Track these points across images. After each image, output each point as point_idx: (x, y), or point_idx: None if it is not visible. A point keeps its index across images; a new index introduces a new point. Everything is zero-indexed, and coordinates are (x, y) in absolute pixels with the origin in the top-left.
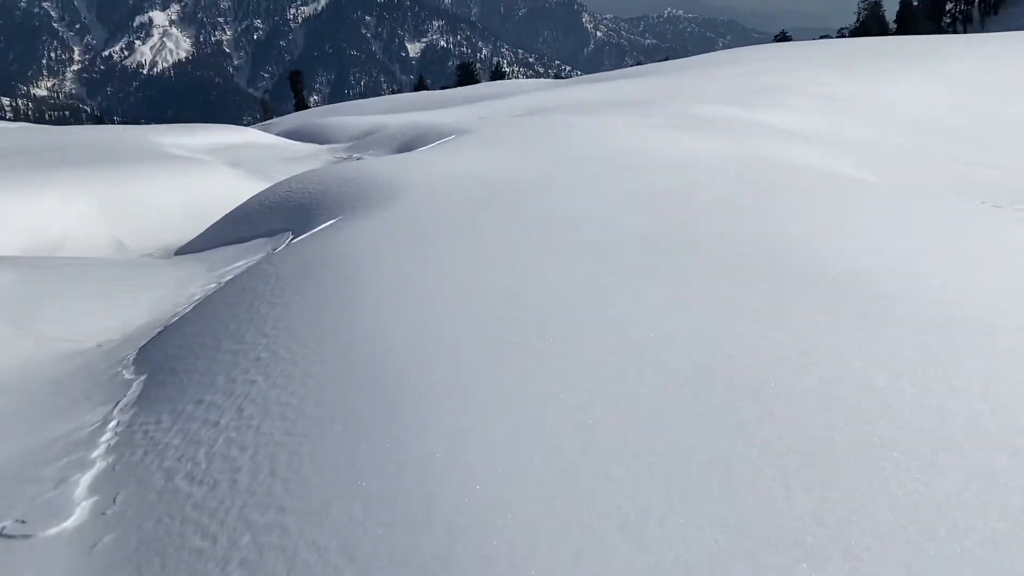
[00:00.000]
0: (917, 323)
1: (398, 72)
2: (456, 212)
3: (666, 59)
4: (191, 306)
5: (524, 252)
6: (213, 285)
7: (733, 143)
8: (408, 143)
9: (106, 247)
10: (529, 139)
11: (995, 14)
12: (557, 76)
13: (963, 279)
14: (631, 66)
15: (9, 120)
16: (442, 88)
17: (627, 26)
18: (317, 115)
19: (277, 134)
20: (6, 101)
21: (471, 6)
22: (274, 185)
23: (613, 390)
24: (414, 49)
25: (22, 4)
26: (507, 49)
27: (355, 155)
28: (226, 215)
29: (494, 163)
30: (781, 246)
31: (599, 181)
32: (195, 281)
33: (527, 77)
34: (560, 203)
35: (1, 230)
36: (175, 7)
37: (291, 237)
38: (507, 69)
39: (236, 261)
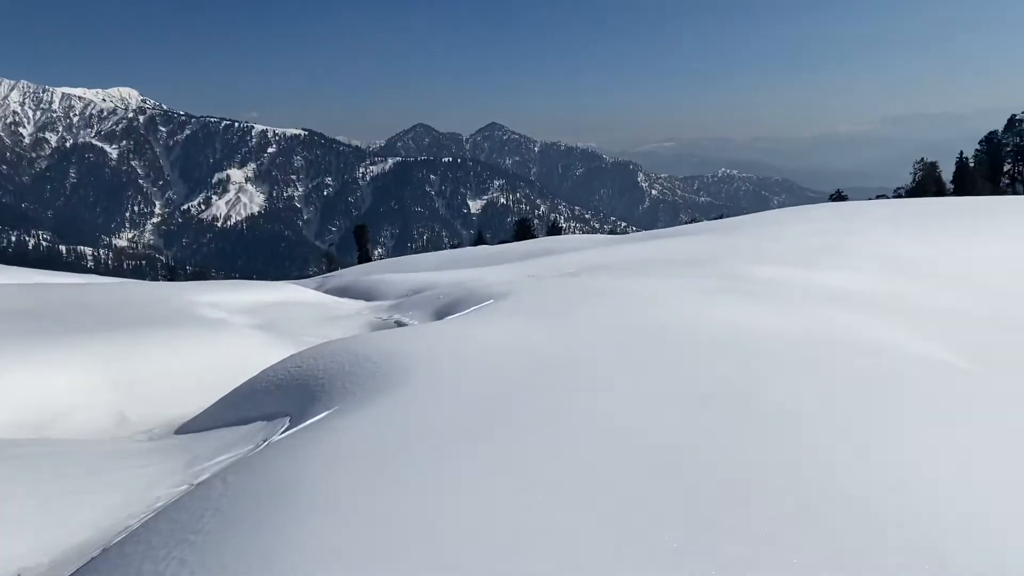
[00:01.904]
0: None
1: (459, 227)
2: (463, 414)
3: (721, 216)
4: (140, 521)
5: (527, 489)
6: (184, 487)
7: (796, 314)
8: (448, 305)
9: (107, 421)
10: (570, 307)
11: None
12: (612, 232)
13: None
14: (686, 223)
15: (89, 269)
16: (500, 243)
17: (681, 184)
18: (377, 268)
19: (330, 288)
20: (89, 251)
21: (531, 167)
22: (286, 359)
23: None
24: (475, 206)
25: (112, 162)
26: (564, 205)
27: (395, 316)
28: (234, 390)
29: (524, 340)
30: (877, 512)
31: (640, 371)
32: (168, 479)
33: (583, 232)
34: (588, 404)
35: None
36: (252, 165)
37: (286, 425)
38: (563, 225)
39: (221, 453)
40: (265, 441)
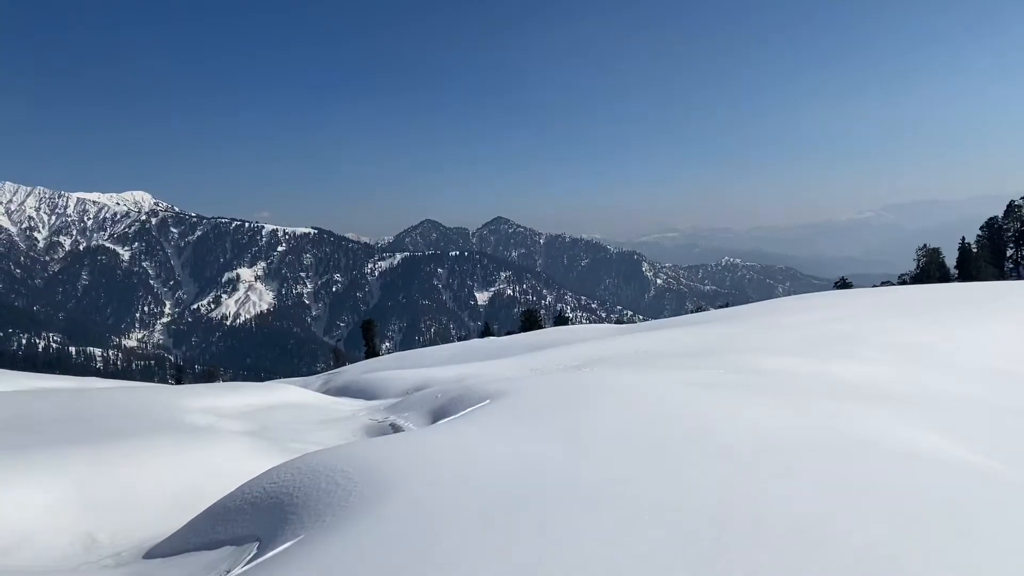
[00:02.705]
0: None
1: (466, 319)
2: (435, 546)
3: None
4: None
5: None
6: None
7: (806, 413)
8: (445, 405)
9: (74, 544)
10: (568, 410)
11: None
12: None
13: None
14: (692, 311)
15: (98, 371)
16: (507, 334)
17: (686, 273)
18: (381, 364)
19: (334, 386)
20: (98, 352)
21: (536, 258)
22: (263, 474)
23: None
24: (482, 297)
25: (124, 264)
26: (570, 295)
27: (391, 418)
28: (207, 509)
29: (516, 450)
30: None
31: (637, 490)
32: None
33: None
34: (577, 537)
35: None
36: (262, 264)
37: (252, 554)
38: (570, 315)
39: None
40: (228, 572)
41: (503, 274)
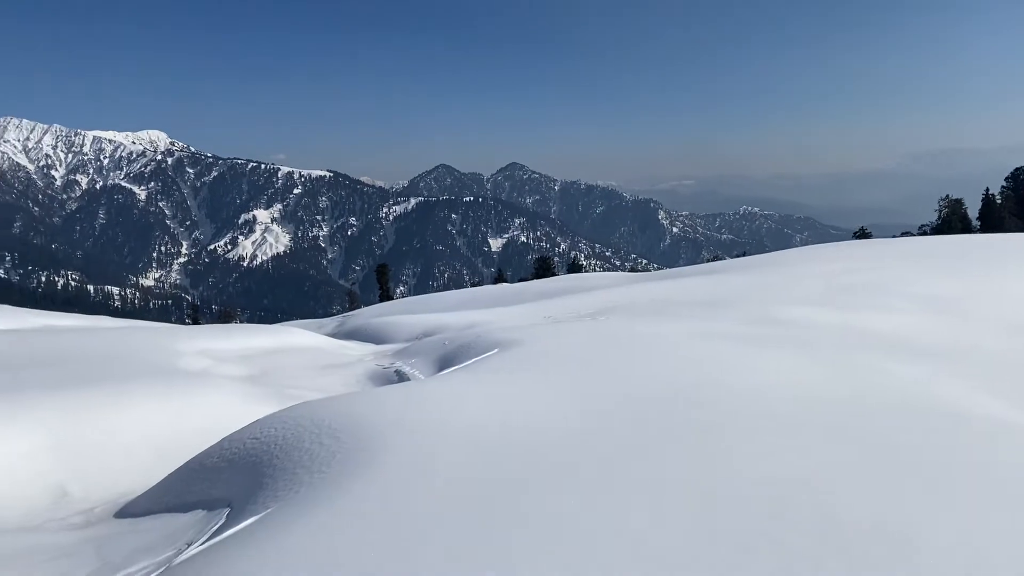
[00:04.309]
0: None
1: (480, 265)
2: (421, 521)
3: (743, 254)
4: None
5: None
6: None
7: (840, 364)
8: (453, 352)
9: (43, 496)
10: (580, 362)
11: None
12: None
13: None
14: (708, 260)
15: (116, 309)
16: (520, 280)
17: (703, 222)
18: (394, 308)
19: (347, 329)
20: (116, 291)
21: (551, 205)
22: (244, 428)
23: None
24: (496, 244)
25: (140, 204)
26: (584, 243)
27: (396, 365)
28: (184, 465)
29: (522, 404)
30: None
31: (663, 462)
32: None
33: (604, 270)
34: (581, 505)
35: None
36: (278, 206)
37: (221, 522)
38: (584, 262)
39: (136, 560)
40: (188, 546)
41: (517, 220)
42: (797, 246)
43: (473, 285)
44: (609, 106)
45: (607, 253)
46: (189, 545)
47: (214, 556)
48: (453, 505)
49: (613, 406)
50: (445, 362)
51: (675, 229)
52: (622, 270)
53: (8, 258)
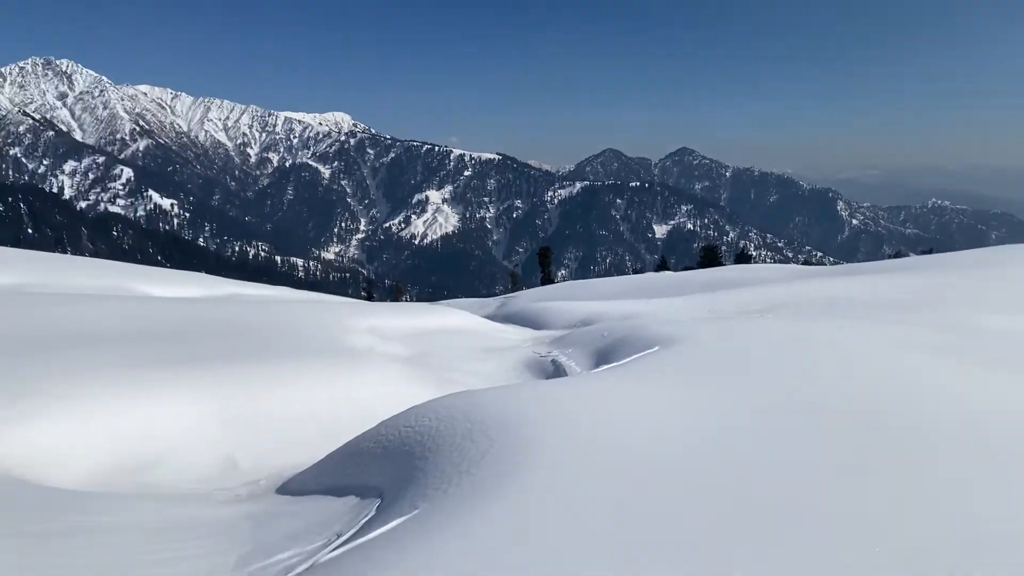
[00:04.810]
0: None
1: (643, 251)
2: (571, 535)
3: (930, 251)
4: None
5: None
6: None
7: None
8: (611, 346)
9: (212, 466)
10: (745, 367)
11: None
12: (807, 262)
13: None
14: (890, 256)
15: (299, 279)
16: (684, 269)
17: (886, 215)
18: (554, 293)
19: (506, 312)
20: (300, 262)
21: (721, 192)
22: (400, 415)
23: None
24: (660, 230)
25: (324, 181)
26: (755, 233)
27: (553, 354)
28: (343, 447)
29: (678, 417)
30: None
31: (846, 499)
32: None
33: (774, 261)
34: (744, 531)
35: (84, 441)
36: (448, 187)
37: (371, 514)
38: (753, 253)
39: (285, 548)
40: (338, 536)
41: (684, 207)
42: (992, 244)
43: (635, 272)
44: (788, 92)
45: (779, 244)
46: (339, 536)
47: (356, 560)
48: (604, 515)
49: (780, 420)
50: (602, 355)
51: (855, 221)
52: (794, 262)
53: (208, 228)
